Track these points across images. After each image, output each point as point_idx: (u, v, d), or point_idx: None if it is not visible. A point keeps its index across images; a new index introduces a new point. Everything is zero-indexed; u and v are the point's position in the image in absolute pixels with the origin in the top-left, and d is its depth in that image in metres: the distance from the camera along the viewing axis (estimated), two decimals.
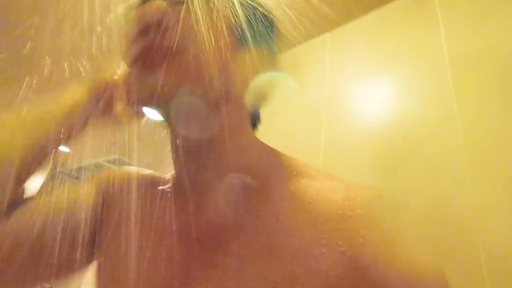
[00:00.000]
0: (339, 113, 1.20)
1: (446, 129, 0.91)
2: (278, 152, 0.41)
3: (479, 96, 0.89)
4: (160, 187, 0.43)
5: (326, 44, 1.38)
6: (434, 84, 0.99)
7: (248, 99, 0.40)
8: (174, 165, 0.42)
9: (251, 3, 0.38)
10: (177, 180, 0.42)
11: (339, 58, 1.32)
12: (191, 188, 0.39)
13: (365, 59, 1.22)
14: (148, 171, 0.48)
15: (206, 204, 0.37)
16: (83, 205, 0.41)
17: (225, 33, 0.35)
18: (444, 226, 0.79)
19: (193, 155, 0.38)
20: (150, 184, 0.44)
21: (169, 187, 0.43)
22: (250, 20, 0.37)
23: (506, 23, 0.92)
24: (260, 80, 0.40)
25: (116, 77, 0.44)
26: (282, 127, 1.27)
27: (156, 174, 0.47)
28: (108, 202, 0.43)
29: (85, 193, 0.43)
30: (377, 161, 1.01)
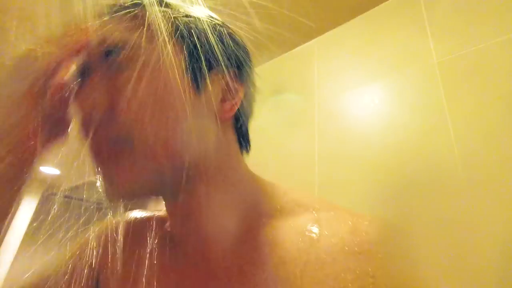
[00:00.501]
0: (331, 123, 1.20)
1: (439, 136, 0.90)
2: (273, 185, 0.39)
3: (470, 101, 0.89)
4: (155, 229, 0.41)
5: (314, 51, 1.39)
6: (424, 91, 1.00)
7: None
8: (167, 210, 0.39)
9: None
10: (170, 225, 0.40)
11: (327, 66, 1.32)
12: (184, 233, 0.37)
13: (353, 66, 1.23)
14: (137, 213, 0.45)
15: (200, 250, 0.35)
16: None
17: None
18: (444, 235, 0.77)
19: (184, 211, 0.36)
20: (141, 228, 0.41)
21: (166, 228, 0.40)
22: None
23: (494, 26, 0.93)
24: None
25: None
26: (273, 141, 1.27)
27: (149, 213, 0.44)
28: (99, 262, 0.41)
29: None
30: (371, 171, 1.00)
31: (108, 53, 0.30)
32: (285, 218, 0.34)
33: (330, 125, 1.19)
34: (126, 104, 0.29)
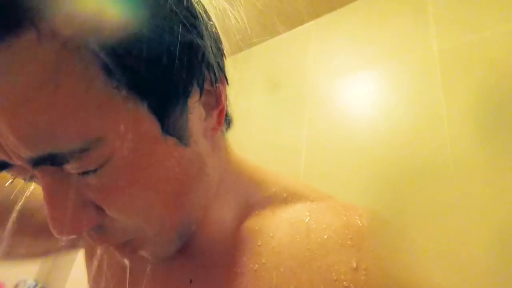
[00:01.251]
0: (322, 108, 1.17)
1: (432, 127, 0.89)
2: (264, 173, 0.38)
3: (468, 93, 0.87)
4: None
5: (311, 33, 1.35)
6: (422, 80, 0.97)
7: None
8: None
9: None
10: None
11: (323, 50, 1.29)
12: None
13: (350, 50, 1.20)
14: None
15: (196, 247, 0.34)
16: None
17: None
18: (436, 226, 0.76)
19: None
20: None
21: None
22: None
23: (497, 17, 0.90)
24: None
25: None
26: (262, 124, 1.25)
27: None
28: None
29: None
30: (361, 160, 0.99)
31: (40, 162, 0.21)
32: (277, 208, 0.34)
33: (321, 111, 1.17)
34: (115, 211, 0.24)
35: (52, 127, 0.20)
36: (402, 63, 1.04)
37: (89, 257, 0.42)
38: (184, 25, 0.24)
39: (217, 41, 0.30)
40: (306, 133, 1.16)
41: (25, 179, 0.25)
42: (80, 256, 0.43)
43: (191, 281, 0.32)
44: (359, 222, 0.30)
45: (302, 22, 1.38)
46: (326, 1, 1.28)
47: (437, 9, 1.03)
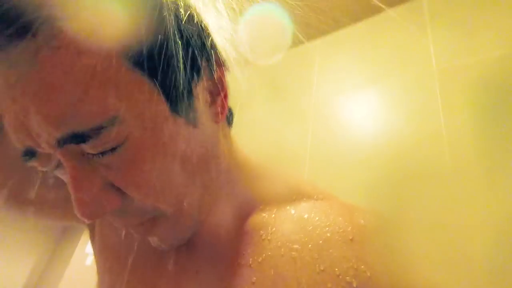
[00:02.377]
0: (326, 122, 1.20)
1: (432, 144, 0.91)
2: (272, 171, 0.39)
3: (467, 112, 0.90)
4: None
5: (316, 50, 1.39)
6: (421, 98, 1.00)
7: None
8: None
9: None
10: None
11: (328, 66, 1.32)
12: None
13: (353, 68, 1.23)
14: None
15: (202, 240, 0.35)
16: None
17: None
18: (435, 237, 0.78)
19: None
20: None
21: None
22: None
23: (495, 39, 0.94)
24: None
25: None
26: (267, 135, 1.26)
27: None
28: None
29: None
30: (362, 172, 1.00)
31: (67, 140, 0.23)
32: (282, 205, 0.34)
33: (324, 125, 1.19)
34: (133, 189, 0.26)
35: (75, 106, 0.22)
36: (403, 81, 1.07)
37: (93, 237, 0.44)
38: (187, 25, 0.27)
39: (211, 37, 0.32)
40: (310, 145, 1.17)
41: (50, 170, 0.26)
42: (71, 264, 0.44)
43: (197, 272, 0.33)
44: (362, 221, 0.31)
45: (308, 40, 1.42)
46: (331, 22, 1.32)
47: (436, 32, 1.07)
